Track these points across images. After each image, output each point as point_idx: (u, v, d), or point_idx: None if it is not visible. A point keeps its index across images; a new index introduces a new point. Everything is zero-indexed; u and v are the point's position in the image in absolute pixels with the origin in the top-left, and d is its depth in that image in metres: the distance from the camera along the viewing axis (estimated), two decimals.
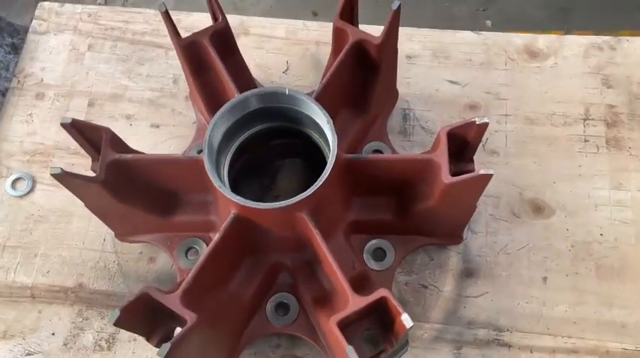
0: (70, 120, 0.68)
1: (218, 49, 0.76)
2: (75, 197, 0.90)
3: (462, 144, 0.71)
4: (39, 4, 1.09)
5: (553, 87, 0.97)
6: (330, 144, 0.67)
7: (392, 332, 0.65)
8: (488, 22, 1.52)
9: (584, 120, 0.94)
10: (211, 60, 0.76)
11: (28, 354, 0.83)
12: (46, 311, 0.86)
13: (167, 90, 1.00)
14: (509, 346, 0.81)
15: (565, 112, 0.95)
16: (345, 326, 0.61)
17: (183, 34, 1.03)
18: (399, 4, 0.73)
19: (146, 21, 1.06)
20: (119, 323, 0.59)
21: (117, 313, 0.59)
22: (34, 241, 0.90)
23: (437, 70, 1.00)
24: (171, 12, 1.07)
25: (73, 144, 0.96)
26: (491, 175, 0.64)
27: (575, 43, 1.01)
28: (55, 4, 1.08)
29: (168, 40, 1.04)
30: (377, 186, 0.75)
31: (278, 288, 0.80)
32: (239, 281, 0.74)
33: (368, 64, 0.78)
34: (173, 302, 0.62)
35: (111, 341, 0.84)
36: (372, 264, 0.82)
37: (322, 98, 0.72)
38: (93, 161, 0.77)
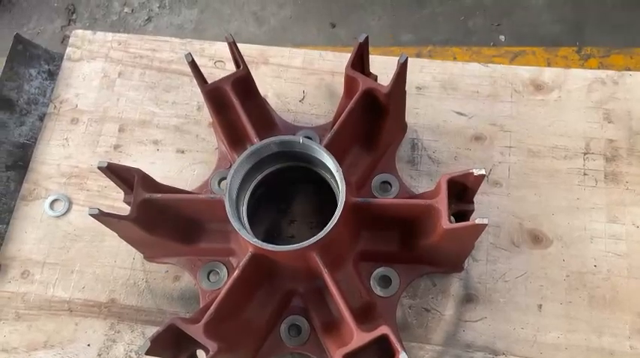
0: (106, 164, 0.76)
1: (239, 93, 0.83)
2: None
3: (462, 187, 0.77)
4: (73, 32, 1.17)
5: (556, 120, 1.02)
6: (340, 191, 0.73)
7: None
8: (502, 37, 1.56)
9: (585, 154, 0.99)
10: (233, 104, 0.83)
11: None
12: (82, 324, 0.95)
13: (192, 117, 1.07)
14: None
15: (566, 146, 1.00)
16: None
17: (206, 62, 1.11)
18: (406, 58, 0.78)
19: (172, 49, 1.13)
20: (150, 352, 0.67)
21: (147, 344, 0.67)
22: (71, 259, 0.99)
23: (445, 101, 1.05)
24: (195, 41, 1.15)
25: None
26: (485, 225, 0.70)
27: (580, 76, 1.05)
28: (88, 32, 1.16)
29: None
30: (383, 223, 0.81)
31: (291, 311, 0.87)
32: (255, 307, 0.82)
33: (377, 110, 0.84)
34: (197, 332, 0.70)
35: (140, 353, 0.92)
36: (378, 291, 0.89)
37: (333, 142, 0.79)
38: (126, 194, 0.84)
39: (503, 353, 0.89)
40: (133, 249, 0.98)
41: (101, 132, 1.08)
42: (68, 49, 1.14)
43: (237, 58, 0.83)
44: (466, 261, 0.92)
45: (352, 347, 0.68)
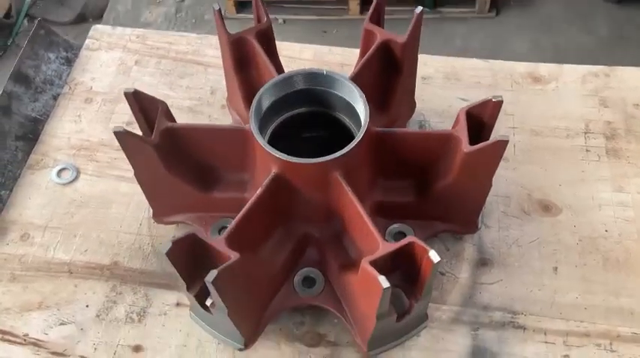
0: (132, 90, 0.77)
1: (262, 45, 0.87)
2: (116, 186, 0.98)
3: (479, 125, 0.79)
4: (92, 27, 1.22)
5: (555, 106, 1.07)
6: (363, 114, 0.75)
7: (417, 284, 0.70)
8: None
9: (585, 133, 1.03)
10: (256, 54, 0.86)
11: (61, 324, 0.87)
12: (81, 286, 0.90)
13: (205, 100, 1.10)
14: (524, 328, 0.85)
15: (567, 126, 1.04)
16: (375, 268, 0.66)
17: (219, 54, 1.16)
18: (422, 9, 0.84)
19: (189, 43, 1.18)
20: (169, 254, 0.64)
21: (169, 244, 0.64)
22: (75, 223, 0.96)
23: (449, 89, 1.11)
24: (211, 36, 1.21)
25: (117, 142, 1.05)
26: (507, 141, 0.72)
27: (574, 70, 1.12)
28: (108, 27, 1.21)
29: (208, 59, 1.16)
30: (401, 163, 0.82)
31: (305, 263, 0.85)
32: (271, 247, 0.80)
33: (392, 63, 0.88)
34: (219, 243, 0.67)
35: (142, 314, 0.87)
36: None
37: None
38: (144, 134, 0.84)
39: (523, 313, 0.86)
40: (140, 215, 0.96)
41: (114, 110, 1.09)
42: (87, 41, 1.19)
43: (261, 11, 0.88)
44: (479, 219, 0.92)
45: (379, 254, 0.66)
